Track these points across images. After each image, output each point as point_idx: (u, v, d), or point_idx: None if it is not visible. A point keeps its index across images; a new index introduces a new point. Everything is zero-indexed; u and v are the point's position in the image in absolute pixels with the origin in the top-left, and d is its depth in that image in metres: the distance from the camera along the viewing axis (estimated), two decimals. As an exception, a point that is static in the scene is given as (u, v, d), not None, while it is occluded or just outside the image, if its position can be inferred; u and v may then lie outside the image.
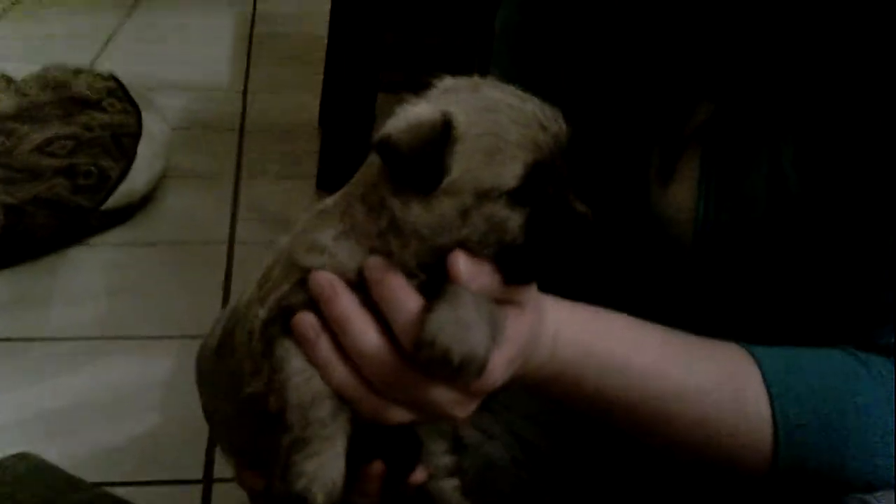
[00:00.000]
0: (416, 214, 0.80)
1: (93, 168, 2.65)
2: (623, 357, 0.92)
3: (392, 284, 0.81)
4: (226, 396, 0.94)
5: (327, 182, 2.85)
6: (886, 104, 0.95)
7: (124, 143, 2.78)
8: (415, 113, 0.81)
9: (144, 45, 4.23)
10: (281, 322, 0.84)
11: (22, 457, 1.76)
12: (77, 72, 3.08)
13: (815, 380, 0.94)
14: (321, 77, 3.28)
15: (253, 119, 3.50)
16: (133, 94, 2.99)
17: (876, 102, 0.95)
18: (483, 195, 0.80)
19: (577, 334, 0.91)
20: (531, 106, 0.83)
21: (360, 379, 0.82)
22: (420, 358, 0.78)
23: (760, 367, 0.94)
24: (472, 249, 0.81)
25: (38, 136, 2.72)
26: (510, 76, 1.18)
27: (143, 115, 2.91)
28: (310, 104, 3.41)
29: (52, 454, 1.77)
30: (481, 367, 0.78)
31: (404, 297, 0.80)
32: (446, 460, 0.96)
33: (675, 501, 1.15)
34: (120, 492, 1.70)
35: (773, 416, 0.93)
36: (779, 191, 0.99)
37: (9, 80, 3.22)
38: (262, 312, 0.85)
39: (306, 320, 0.83)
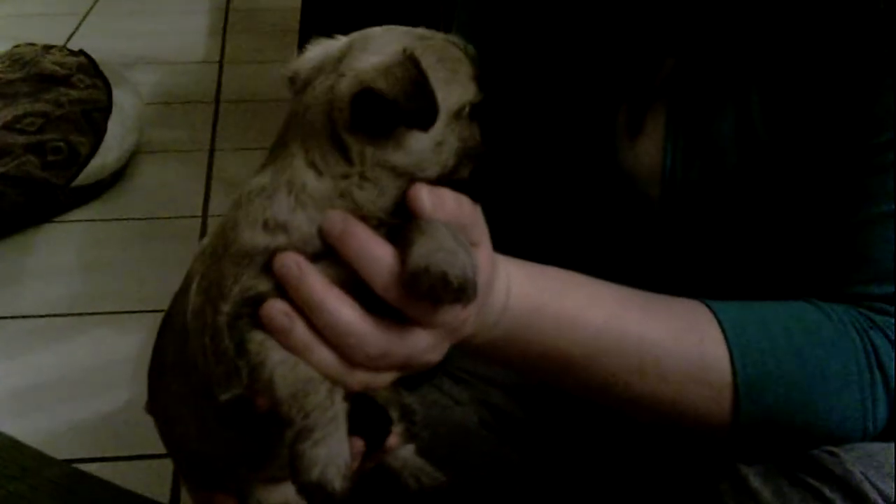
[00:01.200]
0: (397, 157, 0.79)
1: (62, 144, 2.62)
2: (577, 311, 0.91)
3: (359, 235, 0.78)
4: (188, 418, 0.91)
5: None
6: (847, 44, 0.94)
7: (95, 118, 2.75)
8: (374, 60, 0.80)
9: (120, 21, 4.20)
10: (248, 315, 0.80)
11: (-9, 434, 1.76)
12: (46, 48, 3.05)
13: (776, 331, 0.92)
14: (296, 49, 3.25)
15: (228, 92, 3.48)
16: (104, 69, 2.96)
17: (837, 43, 0.94)
18: (454, 117, 0.80)
19: (528, 289, 0.89)
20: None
21: (342, 356, 0.79)
22: (420, 288, 0.76)
23: (719, 320, 0.93)
24: (446, 177, 0.80)
25: (6, 114, 2.68)
26: (475, 31, 1.17)
27: (114, 90, 2.87)
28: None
29: (24, 431, 1.77)
30: (476, 288, 0.77)
31: (374, 245, 0.78)
32: (398, 428, 0.94)
33: (649, 471, 1.14)
34: (91, 468, 1.70)
35: (733, 369, 0.91)
36: (746, 140, 0.98)
37: (-22, 59, 3.18)
38: (226, 308, 0.80)
39: (277, 307, 0.79)
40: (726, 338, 0.91)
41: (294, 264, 0.78)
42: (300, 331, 0.79)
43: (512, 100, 1.11)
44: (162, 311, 0.95)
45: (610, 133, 1.06)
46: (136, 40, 3.89)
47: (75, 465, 1.70)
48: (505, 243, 0.89)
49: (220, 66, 3.70)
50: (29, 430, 1.79)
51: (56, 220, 2.61)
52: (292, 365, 0.79)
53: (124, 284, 2.31)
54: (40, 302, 2.25)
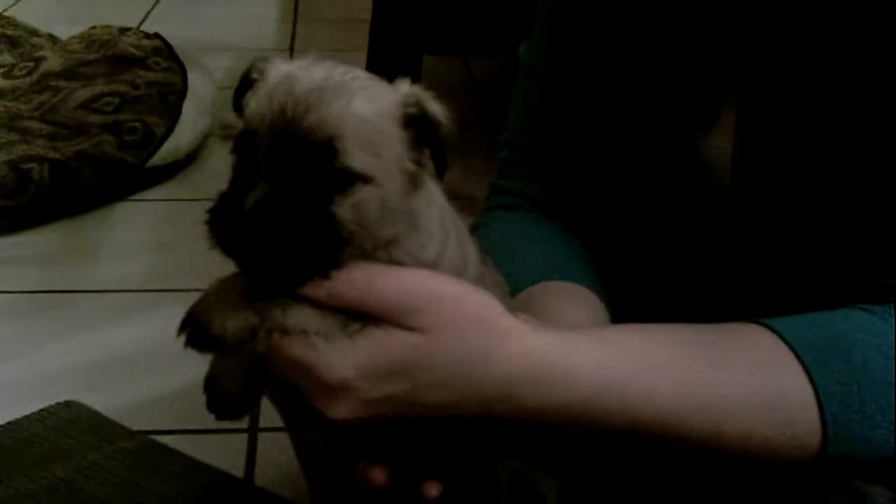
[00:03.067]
0: None
1: (138, 125, 2.66)
2: (642, 383, 0.89)
3: None
4: None
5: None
6: None
7: (170, 100, 2.78)
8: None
9: (191, 7, 4.25)
10: None
11: (68, 405, 1.78)
12: (122, 31, 3.08)
13: (857, 362, 0.90)
14: (367, 38, 3.26)
15: (298, 79, 3.48)
16: (179, 53, 2.99)
17: None
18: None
19: (575, 359, 0.89)
20: (303, 77, 0.81)
21: None
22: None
23: (796, 353, 0.90)
24: None
25: (83, 93, 2.73)
26: (556, 21, 1.16)
27: (189, 73, 2.91)
28: (355, 65, 3.38)
29: (99, 403, 1.79)
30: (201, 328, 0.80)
31: None
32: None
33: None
34: (165, 440, 1.71)
35: (822, 415, 0.89)
36: (813, 132, 0.97)
37: (54, 40, 3.23)
38: None
39: None
40: (808, 375, 0.90)
41: None
42: None
43: (592, 92, 1.11)
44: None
45: (687, 126, 1.06)
46: (207, 26, 3.94)
47: (151, 437, 1.72)
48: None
49: (291, 54, 3.71)
50: (106, 401, 1.81)
51: (131, 198, 2.65)
52: None
53: (196, 262, 2.31)
54: (116, 278, 2.28)
